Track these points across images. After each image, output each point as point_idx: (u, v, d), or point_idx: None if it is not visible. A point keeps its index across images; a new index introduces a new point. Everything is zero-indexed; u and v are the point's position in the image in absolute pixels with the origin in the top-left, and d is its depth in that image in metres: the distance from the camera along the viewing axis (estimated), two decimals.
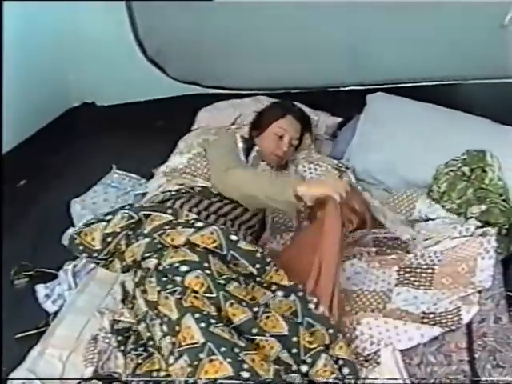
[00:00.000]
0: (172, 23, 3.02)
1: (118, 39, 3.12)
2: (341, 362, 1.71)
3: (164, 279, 1.78)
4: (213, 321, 1.63)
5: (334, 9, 2.74)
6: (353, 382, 1.67)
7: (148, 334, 1.83)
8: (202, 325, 1.62)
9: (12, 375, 1.85)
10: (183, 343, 1.62)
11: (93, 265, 2.27)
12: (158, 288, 1.77)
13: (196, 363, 1.56)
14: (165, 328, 1.71)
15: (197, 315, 1.64)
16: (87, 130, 3.27)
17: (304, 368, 1.68)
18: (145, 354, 1.82)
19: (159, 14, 3.01)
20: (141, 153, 2.99)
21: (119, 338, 1.91)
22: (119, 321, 1.95)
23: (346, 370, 1.70)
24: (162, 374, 1.72)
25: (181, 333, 1.64)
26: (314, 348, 1.71)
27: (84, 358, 1.88)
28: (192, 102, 3.28)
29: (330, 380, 1.65)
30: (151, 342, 1.82)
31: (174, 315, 1.68)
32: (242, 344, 1.61)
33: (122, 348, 1.89)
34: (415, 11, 2.67)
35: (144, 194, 2.58)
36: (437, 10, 2.63)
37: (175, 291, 1.72)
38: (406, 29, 2.77)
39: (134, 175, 2.91)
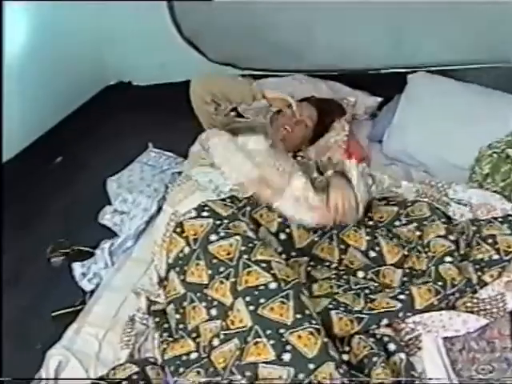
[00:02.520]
0: (208, 4, 2.98)
1: (156, 20, 3.10)
2: (386, 339, 1.72)
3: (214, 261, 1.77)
4: (262, 300, 1.62)
5: None
6: (404, 357, 1.66)
7: (177, 317, 1.82)
8: (251, 308, 1.62)
9: (49, 352, 1.87)
10: (232, 327, 1.63)
11: (129, 243, 2.29)
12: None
13: (243, 346, 1.58)
14: (213, 312, 1.71)
15: (247, 298, 1.64)
16: (123, 109, 3.27)
17: (345, 357, 1.67)
18: (170, 339, 1.81)
19: None
20: (176, 132, 2.97)
21: (157, 319, 1.89)
22: (156, 302, 1.94)
23: (392, 346, 1.69)
24: (193, 356, 1.72)
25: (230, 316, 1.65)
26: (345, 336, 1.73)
27: (120, 340, 1.88)
28: None
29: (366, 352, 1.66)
30: (181, 326, 1.80)
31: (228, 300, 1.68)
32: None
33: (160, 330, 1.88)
34: None
35: (181, 173, 2.56)
36: None
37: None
38: (448, 10, 2.68)
39: (170, 153, 2.90)
